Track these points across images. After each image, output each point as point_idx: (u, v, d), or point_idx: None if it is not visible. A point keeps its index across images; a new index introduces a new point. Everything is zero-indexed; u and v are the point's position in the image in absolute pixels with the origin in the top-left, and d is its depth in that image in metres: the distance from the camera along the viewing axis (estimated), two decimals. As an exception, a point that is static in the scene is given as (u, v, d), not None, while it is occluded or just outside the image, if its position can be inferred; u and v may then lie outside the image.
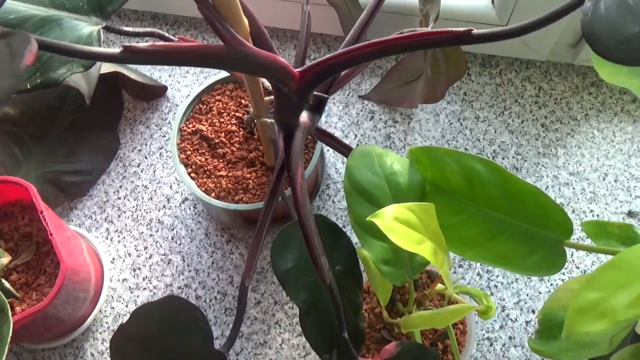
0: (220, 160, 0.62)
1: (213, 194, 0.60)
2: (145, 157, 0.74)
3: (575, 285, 0.43)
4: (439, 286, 0.50)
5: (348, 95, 0.76)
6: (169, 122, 0.76)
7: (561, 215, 0.42)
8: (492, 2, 0.69)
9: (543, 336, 0.42)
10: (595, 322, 0.32)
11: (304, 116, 0.46)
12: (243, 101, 0.64)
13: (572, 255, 0.66)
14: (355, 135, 0.74)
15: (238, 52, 0.38)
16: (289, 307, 0.66)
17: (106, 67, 0.72)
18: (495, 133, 0.73)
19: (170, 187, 0.72)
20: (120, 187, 0.73)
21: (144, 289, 0.68)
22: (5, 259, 0.44)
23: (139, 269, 0.68)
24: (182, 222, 0.70)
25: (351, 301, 0.47)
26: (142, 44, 0.34)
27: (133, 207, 0.72)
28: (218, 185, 0.60)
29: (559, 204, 0.48)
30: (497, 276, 0.65)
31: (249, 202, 0.59)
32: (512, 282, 0.65)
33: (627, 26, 0.26)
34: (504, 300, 0.64)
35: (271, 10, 0.76)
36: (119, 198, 0.72)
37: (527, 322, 0.63)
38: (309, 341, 0.46)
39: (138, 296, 0.67)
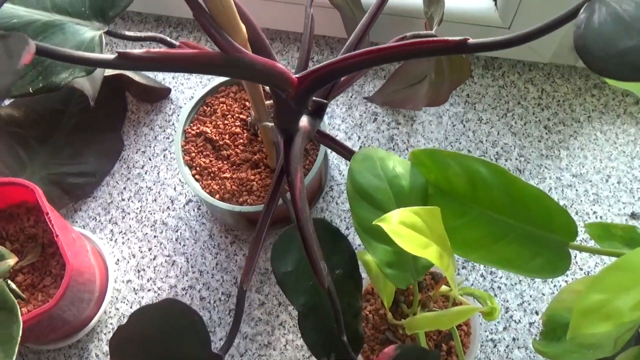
0: (225, 162, 0.62)
1: (217, 196, 0.60)
2: (149, 159, 0.75)
3: (579, 286, 0.43)
4: (443, 288, 0.51)
5: (351, 97, 0.76)
6: (173, 124, 0.77)
7: (565, 218, 0.42)
8: (495, 4, 0.69)
9: (547, 338, 0.42)
10: (600, 323, 0.32)
11: (304, 121, 0.46)
12: (247, 103, 0.65)
13: (575, 256, 0.66)
14: (359, 137, 0.74)
15: (235, 59, 0.38)
16: (293, 309, 0.66)
17: (110, 70, 0.72)
18: (498, 135, 0.73)
19: (174, 188, 0.73)
20: (125, 188, 0.73)
21: (149, 290, 0.68)
22: (12, 261, 0.44)
23: (144, 270, 0.69)
24: (186, 224, 0.71)
25: (351, 305, 0.47)
26: (137, 50, 0.34)
27: (137, 208, 0.72)
28: (222, 187, 0.60)
29: (562, 205, 0.48)
30: (501, 277, 0.65)
31: (253, 204, 0.59)
32: (515, 284, 0.65)
33: (621, 40, 0.26)
34: (507, 301, 0.64)
35: (274, 12, 0.77)
36: (123, 199, 0.73)
37: (530, 324, 0.63)
38: (307, 344, 0.47)
39: (142, 297, 0.67)
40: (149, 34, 0.44)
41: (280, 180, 0.51)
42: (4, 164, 0.71)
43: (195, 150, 0.62)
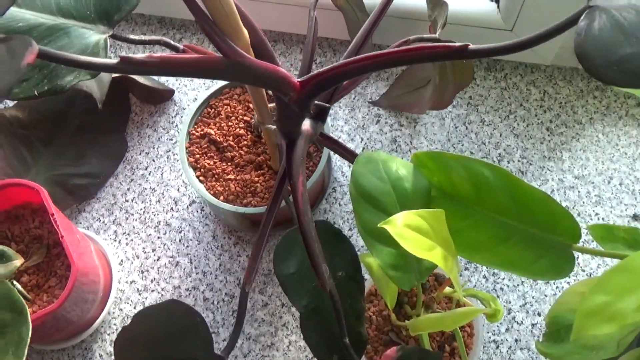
0: (229, 164, 0.62)
1: (221, 197, 0.60)
2: (153, 160, 0.75)
3: (582, 288, 0.44)
4: (447, 289, 0.51)
5: (354, 99, 0.77)
6: (176, 126, 0.77)
7: (569, 220, 0.42)
8: (498, 7, 0.70)
9: (551, 339, 0.42)
10: (603, 325, 0.32)
11: (306, 124, 0.46)
12: (251, 105, 0.65)
13: (577, 258, 0.66)
14: (362, 139, 0.74)
15: (237, 64, 0.38)
16: (296, 310, 0.66)
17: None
18: (501, 137, 0.73)
19: (178, 189, 0.73)
20: (128, 189, 0.73)
21: (152, 290, 0.68)
22: (19, 262, 0.44)
23: (147, 271, 0.69)
24: (189, 225, 0.71)
25: (353, 307, 0.47)
26: (139, 55, 0.35)
27: (141, 209, 0.72)
28: (226, 188, 0.61)
29: (564, 207, 0.49)
30: (503, 279, 0.66)
31: (257, 206, 0.60)
32: (518, 285, 0.65)
33: (621, 47, 0.26)
34: (510, 302, 0.64)
35: (277, 14, 0.77)
36: (127, 201, 0.73)
37: (533, 325, 0.63)
38: (309, 346, 0.47)
39: (146, 298, 0.68)
40: (153, 37, 0.44)
41: (282, 183, 0.51)
42: (8, 165, 0.71)
43: (200, 152, 0.63)
